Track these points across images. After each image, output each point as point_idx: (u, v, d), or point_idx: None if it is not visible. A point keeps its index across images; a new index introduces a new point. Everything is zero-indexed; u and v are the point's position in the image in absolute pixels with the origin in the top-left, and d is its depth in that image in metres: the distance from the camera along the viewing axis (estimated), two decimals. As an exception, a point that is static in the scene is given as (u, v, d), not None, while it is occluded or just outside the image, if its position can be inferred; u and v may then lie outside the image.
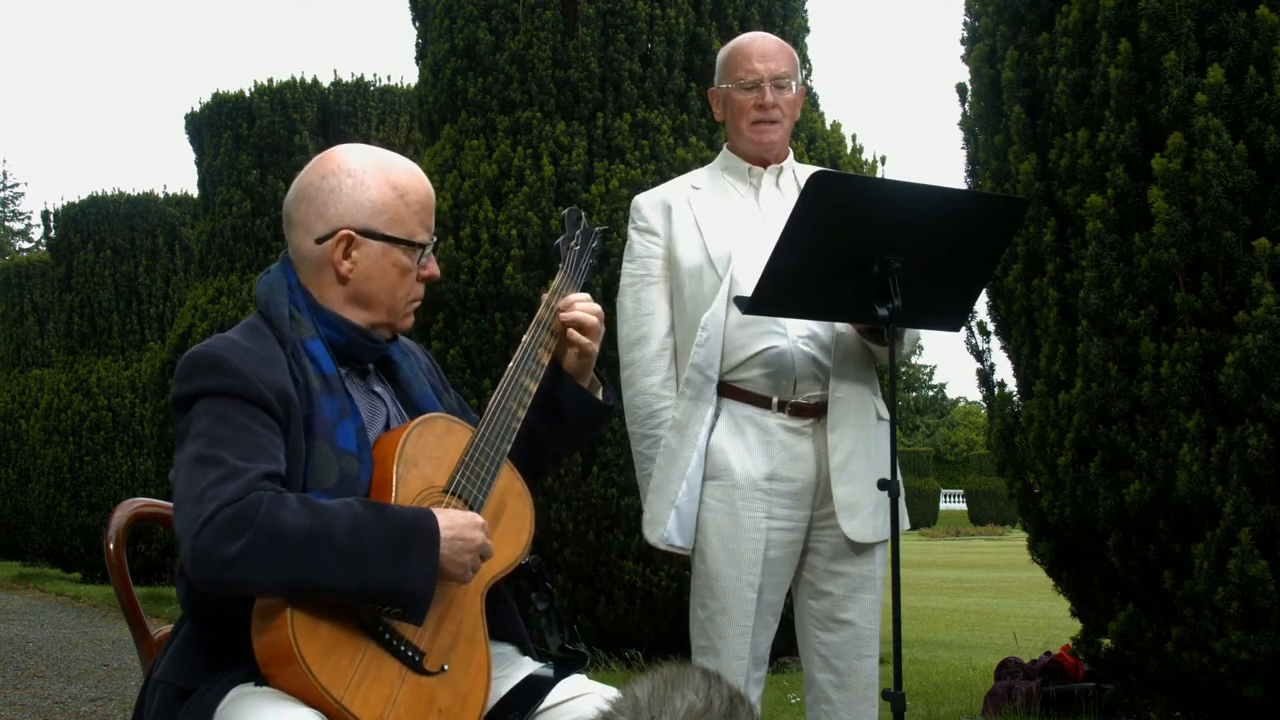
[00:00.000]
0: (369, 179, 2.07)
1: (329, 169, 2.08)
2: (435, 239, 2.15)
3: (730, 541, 2.85)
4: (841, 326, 2.88)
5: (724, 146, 3.08)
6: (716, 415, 2.89)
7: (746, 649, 2.86)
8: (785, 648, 5.12)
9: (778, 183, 3.01)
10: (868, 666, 2.91)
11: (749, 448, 2.87)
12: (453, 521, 1.93)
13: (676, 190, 3.03)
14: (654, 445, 2.94)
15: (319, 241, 2.06)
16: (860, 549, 2.89)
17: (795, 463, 2.88)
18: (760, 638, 2.89)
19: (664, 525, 2.87)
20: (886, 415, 2.91)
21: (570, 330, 2.21)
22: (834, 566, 2.91)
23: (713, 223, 2.94)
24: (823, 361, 2.89)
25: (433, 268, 2.14)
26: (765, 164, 3.01)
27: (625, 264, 3.03)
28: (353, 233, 2.05)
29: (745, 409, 2.89)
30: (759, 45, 3.00)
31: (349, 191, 2.06)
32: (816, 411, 2.89)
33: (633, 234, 3.03)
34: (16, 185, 58.62)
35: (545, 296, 2.24)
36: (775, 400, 2.88)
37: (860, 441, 2.87)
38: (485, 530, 1.98)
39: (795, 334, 2.87)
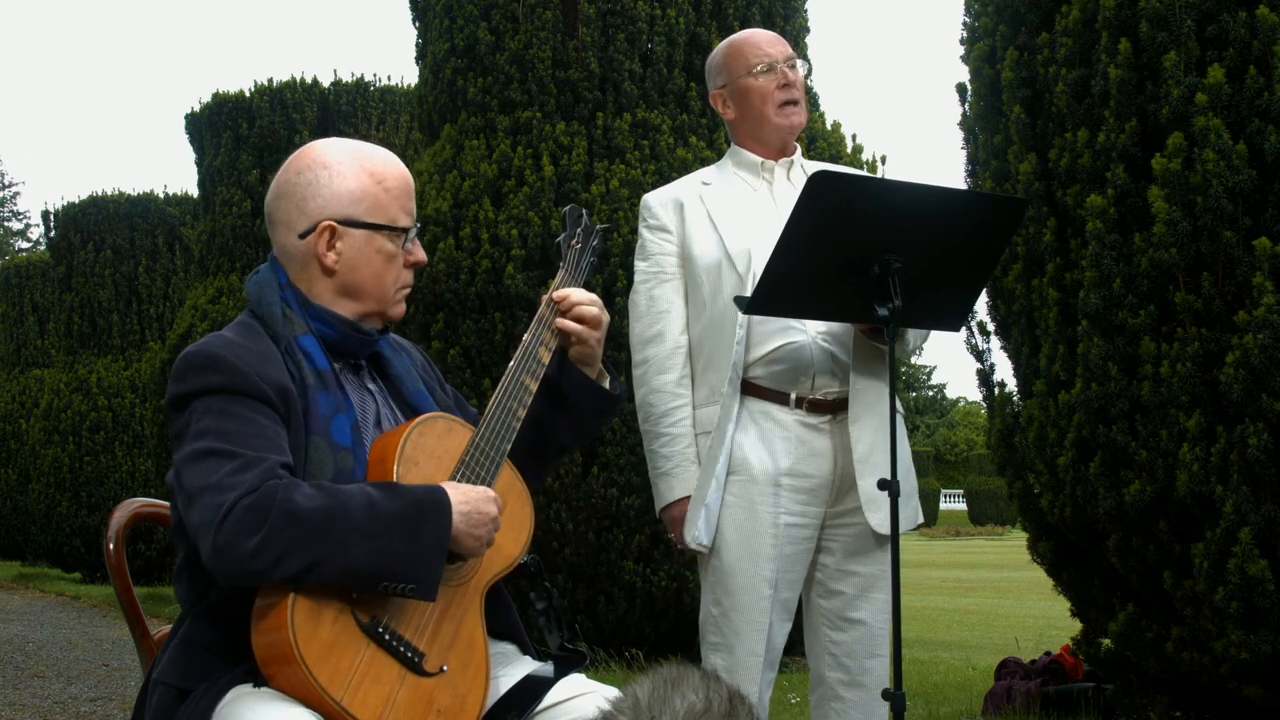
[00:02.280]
0: (345, 169, 2.07)
1: (305, 164, 2.08)
2: (419, 225, 2.14)
3: (748, 537, 2.83)
4: (848, 325, 2.87)
5: (731, 146, 3.04)
6: (738, 411, 2.87)
7: (762, 646, 2.84)
8: (785, 646, 5.11)
9: (789, 176, 2.99)
10: (879, 665, 2.90)
11: (766, 443, 2.85)
12: (466, 495, 1.94)
13: (687, 187, 3.01)
14: (669, 444, 2.91)
15: (302, 236, 2.06)
16: (874, 546, 2.88)
17: (812, 458, 2.86)
18: (776, 635, 2.87)
19: (696, 525, 2.85)
20: (900, 409, 2.89)
21: (568, 323, 2.20)
22: (846, 566, 2.90)
23: (728, 218, 2.92)
24: (840, 357, 2.86)
25: (419, 253, 2.13)
26: (783, 153, 2.99)
27: (638, 262, 3.00)
28: (334, 223, 2.05)
29: (762, 405, 2.86)
30: (761, 34, 3.02)
31: (326, 183, 2.06)
32: (834, 408, 2.87)
33: (644, 232, 3.00)
34: (14, 185, 58.47)
35: (545, 296, 2.24)
36: (793, 396, 2.85)
37: (881, 433, 2.84)
38: (498, 504, 1.98)
39: (814, 329, 2.85)
